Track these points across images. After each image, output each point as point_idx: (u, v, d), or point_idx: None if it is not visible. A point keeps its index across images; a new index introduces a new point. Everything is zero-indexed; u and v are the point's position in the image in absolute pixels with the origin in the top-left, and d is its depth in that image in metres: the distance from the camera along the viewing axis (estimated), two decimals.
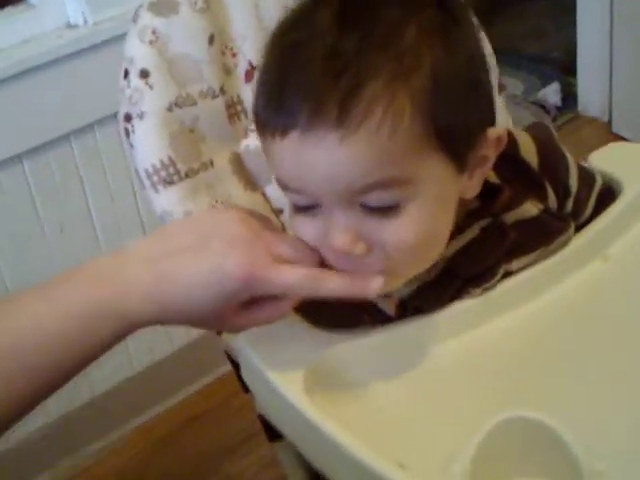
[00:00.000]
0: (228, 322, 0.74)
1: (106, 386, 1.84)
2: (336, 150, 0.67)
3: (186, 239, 0.72)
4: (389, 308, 0.81)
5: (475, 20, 0.83)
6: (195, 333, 1.92)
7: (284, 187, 0.73)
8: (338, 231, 0.71)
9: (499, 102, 1.05)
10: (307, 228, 0.74)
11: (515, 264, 0.83)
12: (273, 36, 0.73)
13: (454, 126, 0.70)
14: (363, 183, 0.68)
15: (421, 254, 0.74)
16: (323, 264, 0.74)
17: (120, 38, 1.57)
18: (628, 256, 0.87)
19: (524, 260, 0.83)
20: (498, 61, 1.07)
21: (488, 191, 0.80)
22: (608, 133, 2.43)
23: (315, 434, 0.72)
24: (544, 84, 2.48)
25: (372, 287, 0.72)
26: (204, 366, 1.96)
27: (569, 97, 2.52)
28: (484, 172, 0.76)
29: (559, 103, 2.50)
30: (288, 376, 0.76)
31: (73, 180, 1.68)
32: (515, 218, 0.82)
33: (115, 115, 1.62)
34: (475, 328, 0.81)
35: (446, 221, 0.75)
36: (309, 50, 0.68)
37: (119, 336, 0.70)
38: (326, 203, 0.71)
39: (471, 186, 0.76)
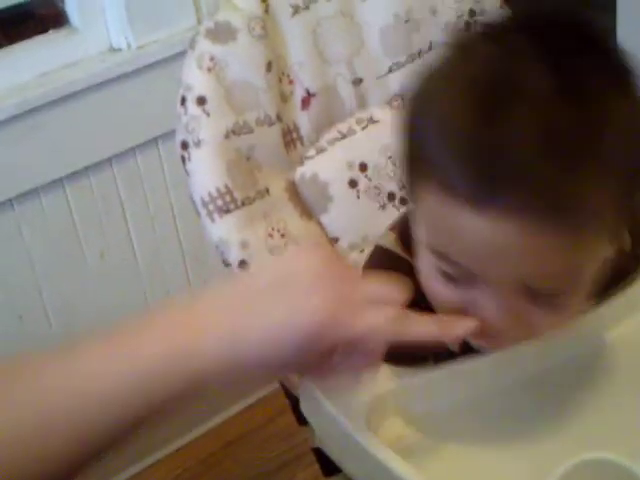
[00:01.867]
0: (310, 370, 0.70)
1: None
2: (536, 240, 0.63)
3: (266, 278, 0.67)
4: (453, 345, 0.79)
5: None
6: None
7: (440, 255, 0.68)
8: (489, 308, 0.68)
9: None
10: (448, 292, 0.70)
11: None
12: (466, 87, 0.64)
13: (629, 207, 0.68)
14: (547, 273, 0.65)
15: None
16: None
17: (163, 62, 1.60)
18: None
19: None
20: None
21: None
22: None
23: (378, 470, 0.70)
24: None
25: (460, 332, 0.68)
26: (240, 390, 1.95)
27: None
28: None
29: None
30: (351, 410, 0.74)
31: (114, 205, 1.68)
32: None
33: (156, 140, 1.65)
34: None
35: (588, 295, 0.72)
36: (526, 127, 0.61)
37: (190, 394, 0.65)
38: (485, 282, 0.67)
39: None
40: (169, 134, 1.63)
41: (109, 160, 1.64)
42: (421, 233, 0.70)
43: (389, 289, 0.67)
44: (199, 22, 1.64)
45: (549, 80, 0.61)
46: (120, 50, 1.61)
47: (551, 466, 0.66)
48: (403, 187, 0.97)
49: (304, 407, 0.81)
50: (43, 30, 1.74)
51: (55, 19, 1.72)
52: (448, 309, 0.70)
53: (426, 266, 0.70)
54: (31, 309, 1.65)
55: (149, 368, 0.65)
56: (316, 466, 1.74)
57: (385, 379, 0.78)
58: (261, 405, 1.97)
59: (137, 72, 1.60)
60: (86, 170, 1.62)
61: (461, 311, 0.69)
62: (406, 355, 0.76)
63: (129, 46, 1.61)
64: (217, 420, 1.95)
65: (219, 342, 0.65)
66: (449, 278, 0.68)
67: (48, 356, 0.66)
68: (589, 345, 0.80)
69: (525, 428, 0.75)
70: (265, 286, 0.66)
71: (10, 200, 1.56)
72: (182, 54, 1.54)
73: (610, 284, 0.78)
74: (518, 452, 0.73)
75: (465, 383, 0.78)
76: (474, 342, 0.70)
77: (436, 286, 0.70)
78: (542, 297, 0.66)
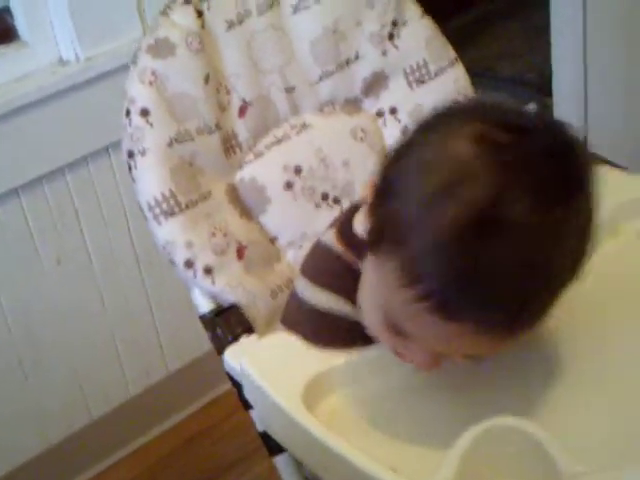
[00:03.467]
0: None
1: (104, 409, 1.88)
2: (491, 343, 0.73)
3: None
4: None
5: None
6: (189, 357, 1.97)
7: (389, 319, 0.76)
8: (429, 359, 0.78)
9: None
10: (387, 335, 0.79)
11: None
12: (458, 218, 0.68)
13: None
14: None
15: None
16: None
17: (112, 73, 1.65)
18: None
19: None
20: (474, 83, 1.13)
21: None
22: None
23: (315, 445, 0.77)
24: (520, 105, 2.55)
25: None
26: (198, 389, 2.01)
27: None
28: None
29: None
30: (288, 392, 0.81)
31: (69, 212, 1.73)
32: None
33: (107, 148, 1.71)
34: None
35: None
36: (508, 265, 0.68)
37: None
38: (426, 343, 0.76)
39: None
40: (120, 142, 1.70)
41: (62, 169, 1.69)
42: (375, 294, 0.77)
43: None
44: (144, 34, 1.70)
45: (533, 217, 0.67)
46: (69, 62, 1.66)
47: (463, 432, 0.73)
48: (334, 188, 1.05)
49: (247, 392, 0.88)
50: None
51: (4, 33, 1.77)
52: (388, 342, 0.80)
53: (370, 311, 0.79)
54: None
55: None
56: (271, 460, 1.82)
57: (318, 361, 0.85)
58: (218, 402, 2.03)
59: (87, 83, 1.65)
60: (40, 179, 1.67)
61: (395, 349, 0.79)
62: (338, 342, 0.84)
63: (77, 58, 1.65)
64: (175, 418, 2.00)
65: None
66: (395, 332, 0.77)
67: None
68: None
69: (443, 401, 0.82)
70: None
71: None
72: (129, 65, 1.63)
73: None
74: (435, 422, 0.80)
75: (389, 363, 0.85)
76: None
77: (377, 327, 0.79)
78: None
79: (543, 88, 2.59)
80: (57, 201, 1.71)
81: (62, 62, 1.66)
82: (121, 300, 1.85)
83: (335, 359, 0.85)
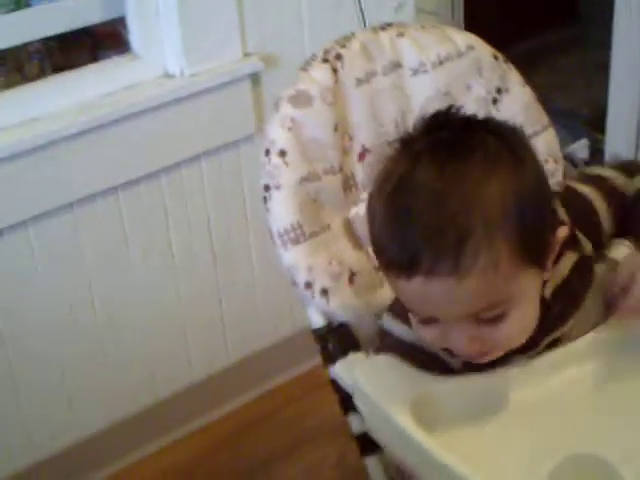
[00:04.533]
0: None
1: (170, 390, 2.04)
2: (453, 290, 0.88)
3: None
4: (457, 365, 1.02)
5: None
6: (249, 350, 2.13)
7: (409, 309, 0.95)
8: (456, 339, 0.94)
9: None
10: (428, 332, 0.96)
11: (558, 332, 1.03)
12: (381, 197, 0.92)
13: (537, 246, 0.93)
14: (477, 308, 0.91)
15: (523, 338, 0.97)
16: None
17: (211, 89, 1.81)
18: None
19: (570, 323, 1.03)
20: None
21: None
22: None
23: (417, 450, 0.92)
24: (573, 139, 2.68)
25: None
26: (256, 379, 2.17)
27: (596, 153, 2.71)
28: (553, 258, 0.98)
29: (587, 158, 2.69)
30: (397, 404, 0.96)
31: (159, 211, 1.89)
32: (551, 288, 1.01)
33: (199, 157, 1.86)
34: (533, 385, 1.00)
35: (537, 308, 0.97)
36: (418, 218, 0.88)
37: None
38: (445, 320, 0.93)
39: (547, 273, 0.98)
40: (210, 152, 1.86)
41: (158, 173, 1.85)
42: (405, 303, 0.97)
43: None
44: (244, 55, 1.86)
45: (434, 183, 0.88)
46: (174, 76, 1.82)
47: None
48: None
49: (357, 400, 1.03)
50: (98, 47, 1.95)
51: (111, 37, 1.93)
52: (436, 345, 0.96)
53: (412, 319, 0.97)
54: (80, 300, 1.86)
55: None
56: (321, 451, 1.96)
57: (422, 381, 1.00)
58: (274, 393, 2.17)
59: (188, 97, 1.81)
60: (138, 180, 1.83)
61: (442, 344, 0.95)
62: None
63: (182, 73, 1.81)
64: (234, 404, 2.15)
65: None
66: (424, 322, 0.94)
67: None
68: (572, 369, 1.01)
69: (529, 431, 0.95)
70: None
71: (71, 204, 1.77)
72: (226, 83, 1.78)
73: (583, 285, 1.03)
74: (521, 447, 0.94)
75: (482, 392, 1.00)
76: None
77: (420, 330, 0.97)
78: (490, 320, 0.92)
79: (596, 124, 2.70)
80: (150, 200, 1.87)
81: (168, 76, 1.82)
82: (195, 293, 2.01)
83: (437, 381, 1.00)
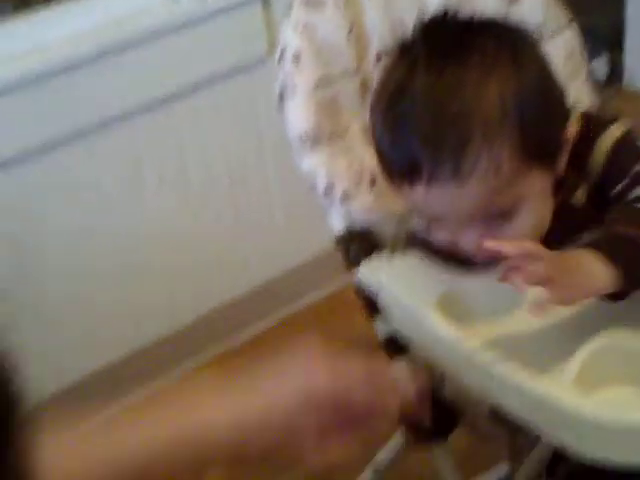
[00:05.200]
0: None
1: (193, 317, 2.05)
2: (455, 194, 0.89)
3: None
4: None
5: None
6: (270, 273, 2.13)
7: (417, 212, 0.96)
8: (465, 242, 0.94)
9: (587, 89, 1.24)
10: (439, 234, 0.96)
11: (587, 236, 0.99)
12: (380, 103, 0.94)
13: (543, 145, 0.92)
14: (482, 212, 0.91)
15: (535, 234, 0.95)
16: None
17: (223, 11, 1.79)
18: None
19: (585, 237, 0.99)
20: None
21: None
22: None
23: (446, 345, 0.93)
24: (591, 57, 2.62)
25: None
26: (276, 304, 2.18)
27: (615, 71, 2.67)
28: (565, 157, 0.97)
29: (605, 76, 2.65)
30: (425, 301, 0.97)
31: (173, 135, 1.89)
32: (581, 202, 0.99)
33: (212, 80, 1.84)
34: None
35: (549, 206, 0.96)
36: (416, 120, 0.88)
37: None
38: (453, 222, 0.93)
39: (559, 171, 0.97)
40: (223, 75, 1.84)
41: (171, 98, 1.84)
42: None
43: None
44: None
45: (432, 88, 0.88)
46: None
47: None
48: None
49: (383, 300, 1.03)
50: None
51: None
52: (450, 248, 0.95)
53: (424, 223, 0.98)
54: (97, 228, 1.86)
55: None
56: None
57: (446, 279, 1.00)
58: (294, 319, 2.18)
59: (198, 20, 1.81)
60: (151, 105, 1.82)
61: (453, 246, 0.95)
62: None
63: None
64: (258, 328, 2.15)
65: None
66: (435, 224, 0.95)
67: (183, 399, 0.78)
68: None
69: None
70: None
71: (84, 130, 1.76)
72: (237, 5, 1.76)
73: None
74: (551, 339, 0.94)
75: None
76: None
77: (433, 234, 0.97)
78: (498, 217, 0.92)
79: (614, 42, 2.66)
80: (164, 126, 1.86)
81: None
82: (212, 218, 2.02)
83: (465, 278, 1.00)
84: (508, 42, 0.91)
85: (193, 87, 1.86)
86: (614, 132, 0.98)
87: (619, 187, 0.96)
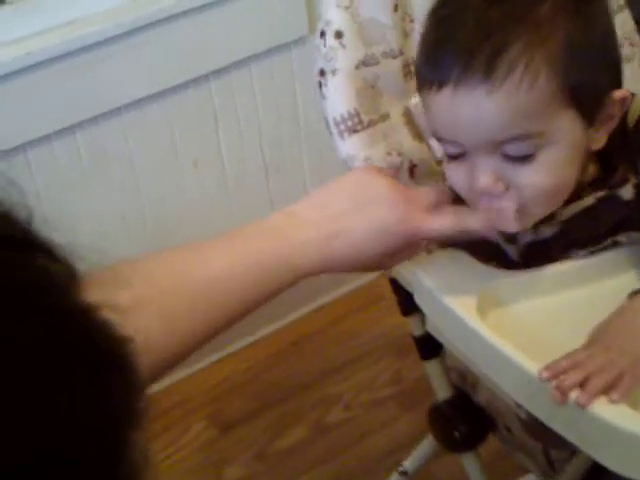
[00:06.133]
0: (383, 266, 0.91)
1: None
2: (482, 102, 0.83)
3: (344, 204, 0.86)
4: (514, 254, 0.96)
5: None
6: None
7: (438, 138, 0.91)
8: (481, 174, 0.87)
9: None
10: (457, 173, 0.90)
11: (623, 237, 0.95)
12: (431, 10, 0.90)
13: (584, 86, 0.85)
14: (504, 134, 0.84)
15: (551, 197, 0.89)
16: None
17: None
18: None
19: (634, 236, 0.96)
20: None
21: (607, 164, 0.93)
22: None
23: (484, 346, 0.87)
24: None
25: (509, 222, 0.88)
26: (308, 294, 2.11)
27: None
28: (609, 128, 0.90)
29: None
30: (463, 301, 0.91)
31: (208, 116, 1.83)
32: (630, 195, 0.93)
33: (249, 59, 1.79)
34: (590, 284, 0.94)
35: (574, 169, 0.89)
36: (461, 20, 0.84)
37: (285, 286, 0.83)
38: (472, 151, 0.87)
39: (597, 139, 0.90)
40: (260, 55, 1.78)
41: (207, 76, 1.78)
42: (429, 126, 0.94)
43: (442, 194, 0.91)
44: None
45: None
46: None
47: None
48: None
49: (419, 299, 0.97)
50: None
51: None
52: (467, 195, 0.91)
53: (444, 163, 0.93)
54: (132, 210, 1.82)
55: (260, 262, 0.81)
56: (376, 366, 1.93)
57: (490, 277, 0.94)
58: (328, 307, 2.13)
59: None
60: (186, 84, 1.76)
61: (471, 189, 0.89)
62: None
63: None
64: (286, 320, 2.12)
65: (316, 246, 0.83)
66: (453, 159, 0.89)
67: (180, 253, 0.81)
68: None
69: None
70: (351, 202, 0.86)
71: (119, 109, 1.71)
72: None
73: None
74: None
75: (542, 286, 0.93)
76: (489, 223, 0.89)
77: (450, 171, 0.91)
78: (517, 159, 0.85)
79: None
80: (199, 105, 1.80)
81: None
82: (246, 202, 1.95)
83: (503, 276, 0.94)
84: None
85: (231, 66, 1.80)
86: None
87: None
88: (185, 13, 1.68)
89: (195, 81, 1.77)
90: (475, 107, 0.83)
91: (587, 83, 0.85)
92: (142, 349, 0.38)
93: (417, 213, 0.87)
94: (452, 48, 0.84)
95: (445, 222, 0.88)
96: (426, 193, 0.91)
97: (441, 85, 0.84)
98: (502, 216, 0.88)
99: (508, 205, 0.87)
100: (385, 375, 1.96)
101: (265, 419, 1.90)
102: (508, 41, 0.82)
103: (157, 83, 1.73)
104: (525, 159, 0.85)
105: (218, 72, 1.79)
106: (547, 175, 0.86)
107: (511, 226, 0.89)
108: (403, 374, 1.94)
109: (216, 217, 1.92)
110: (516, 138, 0.84)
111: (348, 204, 0.86)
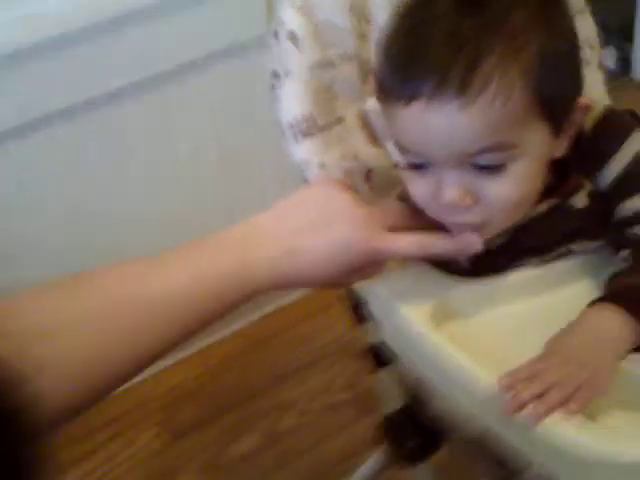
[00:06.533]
0: (342, 283, 0.89)
1: None
2: (456, 117, 0.80)
3: (305, 217, 0.83)
4: (465, 261, 0.95)
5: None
6: None
7: (403, 150, 0.87)
8: (450, 187, 0.84)
9: (600, 78, 1.16)
10: (419, 186, 0.88)
11: (576, 246, 0.95)
12: (396, 16, 0.85)
13: (555, 96, 0.84)
14: (477, 147, 0.82)
15: (516, 209, 0.88)
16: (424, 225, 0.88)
17: None
18: None
19: (587, 244, 0.95)
20: None
21: (559, 173, 0.91)
22: None
23: (437, 356, 0.85)
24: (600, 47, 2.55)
25: (474, 245, 0.85)
26: (264, 297, 2.07)
27: (623, 62, 2.60)
28: (572, 134, 0.89)
29: (613, 67, 2.58)
30: (417, 310, 0.89)
31: (163, 117, 1.79)
32: (583, 204, 0.92)
33: (205, 58, 1.75)
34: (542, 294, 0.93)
35: (539, 180, 0.88)
36: (431, 30, 0.80)
37: (242, 301, 0.81)
38: (439, 163, 0.84)
39: (560, 146, 0.89)
40: (217, 54, 1.75)
41: (160, 76, 1.74)
42: (391, 135, 0.90)
43: (408, 214, 0.88)
44: None
45: (451, 5, 0.81)
46: None
47: None
48: None
49: (374, 307, 0.95)
50: None
51: None
52: (428, 206, 0.88)
53: (404, 174, 0.89)
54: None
55: (217, 276, 0.78)
56: (331, 371, 1.90)
57: (442, 286, 0.92)
58: (281, 312, 2.10)
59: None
60: (140, 85, 1.72)
61: (434, 201, 0.86)
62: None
63: None
64: (239, 324, 2.08)
65: (273, 262, 0.81)
66: (416, 169, 0.86)
67: (135, 265, 0.78)
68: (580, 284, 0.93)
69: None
70: (313, 218, 0.83)
71: (72, 108, 1.66)
72: None
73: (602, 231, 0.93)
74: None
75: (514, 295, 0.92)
76: (452, 247, 0.87)
77: (411, 182, 0.88)
78: (487, 170, 0.83)
79: (624, 33, 2.59)
80: (153, 107, 1.76)
81: None
82: (201, 205, 1.91)
83: (457, 286, 0.92)
84: None
85: (187, 66, 1.76)
86: (635, 143, 0.90)
87: (629, 211, 0.90)
88: (135, 13, 1.64)
89: (149, 81, 1.73)
90: (448, 122, 0.80)
91: (558, 93, 0.84)
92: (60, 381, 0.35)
93: (380, 232, 0.84)
94: (424, 62, 0.80)
95: (409, 244, 0.85)
96: (389, 211, 0.89)
97: (411, 99, 0.81)
98: (468, 239, 0.86)
99: (472, 220, 0.86)
100: (340, 379, 1.94)
101: (218, 426, 1.86)
102: (482, 54, 0.79)
103: (109, 85, 1.68)
104: (495, 170, 0.83)
105: (171, 73, 1.75)
106: (516, 186, 0.84)
107: (478, 247, 0.87)
108: (359, 378, 1.92)
109: (170, 225, 1.88)
110: (488, 150, 0.82)
111: (310, 219, 0.83)
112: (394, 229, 0.85)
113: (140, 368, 0.74)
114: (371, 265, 0.87)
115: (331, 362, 1.97)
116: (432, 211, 0.89)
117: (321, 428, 1.83)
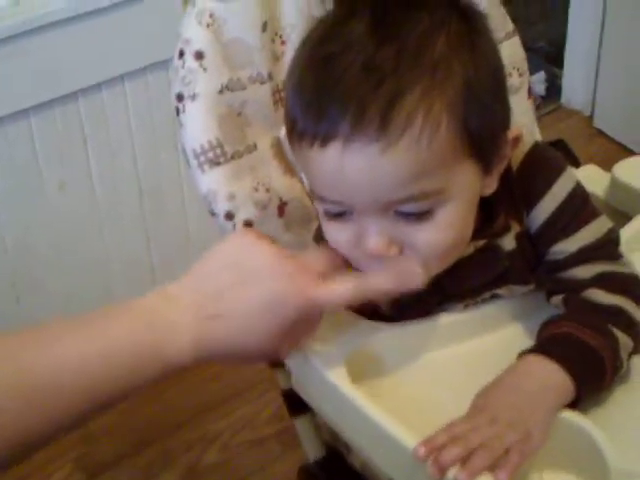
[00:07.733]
0: (275, 350, 0.77)
1: None
2: (378, 161, 0.71)
3: (226, 277, 0.74)
4: (385, 308, 0.87)
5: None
6: None
7: (319, 198, 0.78)
8: (373, 236, 0.76)
9: (528, 105, 1.10)
10: (339, 234, 0.79)
11: (503, 290, 0.88)
12: (305, 47, 0.77)
13: (482, 130, 0.75)
14: (402, 195, 0.73)
15: (449, 253, 0.80)
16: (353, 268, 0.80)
17: (135, 2, 1.61)
18: None
19: (514, 289, 0.88)
20: None
21: (486, 213, 0.84)
22: (589, 127, 2.48)
23: (353, 412, 0.77)
24: (530, 73, 2.52)
25: (416, 276, 0.76)
26: None
27: (553, 88, 2.57)
28: (501, 169, 0.81)
29: (543, 93, 2.55)
30: (331, 361, 0.81)
31: (76, 139, 1.69)
32: (511, 246, 0.86)
33: (123, 77, 1.66)
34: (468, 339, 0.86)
35: (471, 220, 0.80)
36: (346, 61, 0.71)
37: (153, 379, 0.71)
38: (360, 210, 0.75)
39: (490, 183, 0.81)
40: (135, 72, 1.66)
41: (75, 94, 1.65)
42: (307, 183, 0.82)
43: (334, 259, 0.78)
44: None
45: (365, 24, 0.73)
46: None
47: None
48: None
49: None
50: None
51: None
52: (350, 255, 0.79)
53: (321, 218, 0.80)
54: None
55: (119, 352, 0.69)
56: (259, 401, 1.82)
57: (360, 331, 0.84)
58: None
59: (106, 10, 1.60)
60: (51, 102, 1.63)
61: (356, 249, 0.78)
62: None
63: None
64: None
65: (193, 329, 0.71)
66: (334, 218, 0.78)
67: (24, 336, 0.68)
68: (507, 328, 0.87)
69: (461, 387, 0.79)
70: (234, 279, 0.73)
71: None
72: None
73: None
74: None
75: (438, 337, 0.85)
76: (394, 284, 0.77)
77: (330, 232, 0.79)
78: (413, 217, 0.75)
79: (553, 58, 2.58)
80: (66, 125, 1.67)
81: None
82: (120, 230, 1.82)
83: (376, 331, 0.85)
84: (468, 20, 0.77)
85: (102, 84, 1.67)
86: (566, 183, 0.84)
87: (559, 255, 0.84)
88: (53, 25, 1.54)
89: (62, 99, 1.63)
90: (369, 167, 0.71)
91: (485, 126, 0.75)
92: None
93: (310, 282, 0.74)
94: (339, 97, 0.71)
95: (346, 289, 0.75)
96: (317, 258, 0.79)
97: (326, 140, 0.72)
98: (408, 270, 0.77)
99: (409, 262, 0.77)
100: (268, 411, 1.85)
101: (137, 462, 1.76)
102: (403, 87, 0.70)
103: (19, 101, 1.58)
104: (422, 217, 0.75)
105: (88, 90, 1.65)
106: (446, 232, 0.76)
107: (420, 278, 0.77)
108: (284, 412, 1.83)
109: (86, 245, 1.78)
110: (413, 198, 0.73)
111: (231, 280, 0.73)
112: (325, 277, 0.76)
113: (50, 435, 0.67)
114: (308, 322, 0.77)
115: (261, 391, 1.89)
116: (356, 260, 0.80)
117: (244, 465, 1.74)
